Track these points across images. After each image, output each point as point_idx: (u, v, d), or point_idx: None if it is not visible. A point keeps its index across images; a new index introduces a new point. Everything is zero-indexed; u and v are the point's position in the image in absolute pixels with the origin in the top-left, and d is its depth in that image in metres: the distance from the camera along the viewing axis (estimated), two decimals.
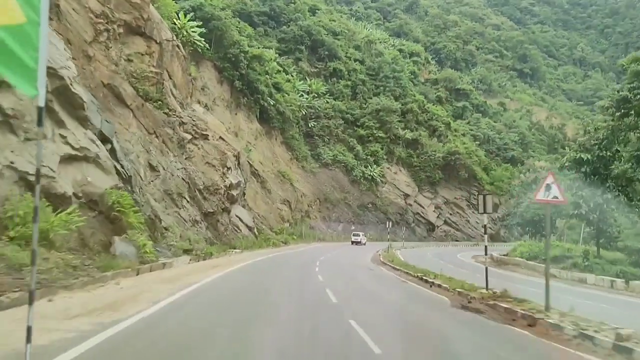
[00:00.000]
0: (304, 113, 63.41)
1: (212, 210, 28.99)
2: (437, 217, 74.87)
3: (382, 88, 78.69)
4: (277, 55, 64.43)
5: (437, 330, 8.65)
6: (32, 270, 4.27)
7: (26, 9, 4.04)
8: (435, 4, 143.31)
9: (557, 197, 9.49)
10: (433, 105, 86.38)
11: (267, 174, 49.49)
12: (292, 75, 66.32)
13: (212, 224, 29.12)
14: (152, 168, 24.48)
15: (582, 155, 28.02)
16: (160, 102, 27.85)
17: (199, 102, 38.48)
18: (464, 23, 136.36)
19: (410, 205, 72.10)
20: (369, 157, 69.04)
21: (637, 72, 23.14)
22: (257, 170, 46.72)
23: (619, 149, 26.58)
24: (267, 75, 55.02)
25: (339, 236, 59.03)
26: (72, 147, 13.52)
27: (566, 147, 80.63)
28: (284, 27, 73.07)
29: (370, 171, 67.38)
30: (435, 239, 71.19)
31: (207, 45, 45.32)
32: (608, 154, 26.85)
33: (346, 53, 78.95)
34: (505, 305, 10.08)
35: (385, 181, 70.00)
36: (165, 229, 21.40)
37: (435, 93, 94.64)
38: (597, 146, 26.60)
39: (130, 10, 26.42)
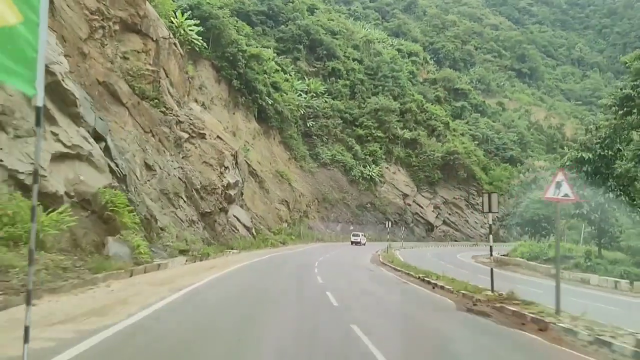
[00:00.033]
0: (302, 112, 63.04)
1: (209, 210, 28.59)
2: (436, 217, 74.58)
3: (380, 88, 78.39)
4: (275, 54, 64.06)
5: (444, 337, 8.21)
6: (30, 271, 4.35)
7: (24, 9, 4.04)
8: (433, 4, 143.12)
9: (567, 195, 9.09)
10: (432, 105, 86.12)
11: (265, 173, 49.10)
12: (291, 75, 65.96)
13: (210, 224, 28.71)
14: (148, 167, 24.06)
15: (584, 155, 27.72)
16: (156, 101, 27.41)
17: (196, 101, 38.06)
18: (462, 23, 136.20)
19: (409, 205, 71.79)
20: (367, 156, 68.71)
21: None
22: (255, 170, 46.32)
23: (620, 147, 26.30)
24: (265, 75, 54.63)
25: (337, 236, 58.67)
26: (64, 145, 13.11)
27: (565, 147, 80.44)
28: (282, 26, 72.70)
29: (369, 171, 67.06)
30: (434, 239, 70.89)
31: (204, 44, 44.90)
32: (610, 153, 26.56)
33: (344, 52, 78.63)
34: (513, 308, 9.67)
35: (384, 181, 69.68)
36: (162, 229, 20.98)
37: (434, 93, 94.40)
38: (599, 145, 26.29)
39: (126, 7, 26.00)
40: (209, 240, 26.97)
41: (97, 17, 23.74)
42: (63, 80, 13.10)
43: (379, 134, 71.29)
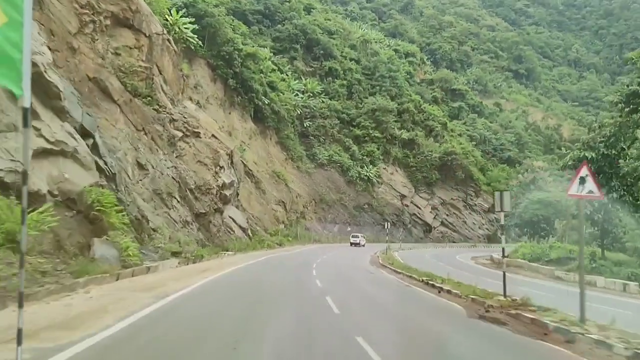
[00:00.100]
0: (299, 112, 62.34)
1: (204, 211, 27.82)
2: (434, 218, 73.98)
3: (378, 88, 77.81)
4: (271, 54, 63.36)
5: (461, 350, 7.35)
6: (20, 273, 4.28)
7: (8, 10, 4.01)
8: (430, 5, 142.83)
9: (592, 192, 8.33)
10: (429, 105, 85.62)
11: (261, 174, 48.34)
12: (287, 75, 65.27)
13: (204, 225, 27.94)
14: (141, 166, 23.27)
15: (586, 154, 27.13)
16: (149, 98, 26.64)
17: (190, 99, 37.27)
18: (459, 24, 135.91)
19: (407, 206, 71.17)
20: (365, 157, 68.05)
21: None
22: (251, 170, 45.56)
23: (624, 146, 25.71)
24: (261, 74, 53.92)
25: (334, 237, 57.98)
26: (47, 141, 12.34)
27: (562, 148, 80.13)
28: (279, 25, 72.01)
29: (367, 171, 66.39)
30: (432, 240, 70.28)
31: (200, 42, 44.12)
32: (613, 152, 25.99)
33: (342, 52, 78.02)
34: (532, 316, 8.82)
35: (382, 182, 69.04)
36: (154, 230, 20.20)
37: (431, 93, 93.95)
38: (603, 144, 25.68)
39: (117, 1, 25.24)
40: (203, 241, 26.20)
41: (87, 10, 22.98)
42: (45, 72, 12.33)
43: (376, 135, 70.66)
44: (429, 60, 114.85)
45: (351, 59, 78.89)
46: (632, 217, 29.12)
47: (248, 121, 51.23)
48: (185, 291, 11.16)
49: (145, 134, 24.97)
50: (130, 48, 26.29)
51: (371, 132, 70.53)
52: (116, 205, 14.40)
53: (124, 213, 15.42)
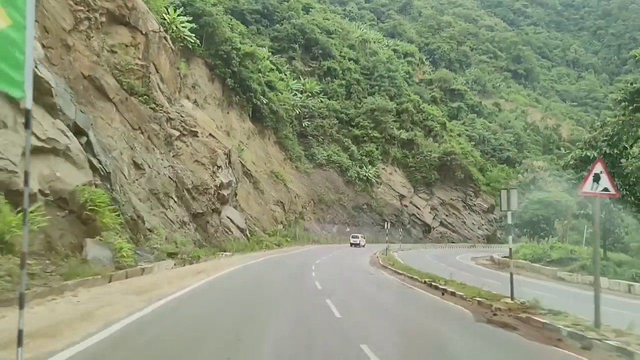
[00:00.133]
0: (297, 112, 61.95)
1: (201, 211, 27.43)
2: (433, 218, 73.67)
3: (377, 88, 77.47)
4: (270, 53, 62.97)
5: (474, 359, 6.93)
6: (22, 274, 4.28)
7: (12, 13, 4.05)
8: (428, 5, 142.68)
9: (607, 190, 7.92)
10: (428, 105, 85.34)
11: (259, 174, 47.94)
12: (286, 74, 64.89)
13: (202, 225, 27.55)
14: (137, 166, 22.89)
15: (588, 153, 26.81)
16: (146, 97, 26.25)
17: (187, 98, 36.86)
18: (457, 24, 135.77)
19: (406, 206, 70.84)
20: (363, 157, 67.69)
21: None
22: (249, 170, 45.16)
23: (626, 146, 25.39)
24: (259, 74, 53.51)
25: (333, 238, 57.61)
26: (38, 138, 11.94)
27: (561, 148, 79.93)
28: (277, 25, 71.64)
29: (365, 172, 66.03)
30: (431, 240, 69.95)
31: (197, 41, 43.71)
32: (616, 151, 25.66)
33: (340, 52, 77.67)
34: (543, 320, 8.41)
35: (381, 182, 68.69)
36: (150, 230, 19.80)
37: (430, 93, 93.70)
38: (606, 143, 25.34)
39: None
40: (200, 242, 25.81)
41: (82, 7, 22.60)
42: (36, 67, 11.93)
43: (375, 135, 70.31)
44: (428, 61, 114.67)
45: (350, 59, 78.55)
46: (634, 217, 28.84)
47: (246, 121, 50.83)
48: (179, 293, 10.69)
49: (142, 133, 24.58)
50: (127, 46, 25.91)
51: (370, 132, 70.18)
52: (110, 205, 14.00)
53: (118, 213, 15.02)
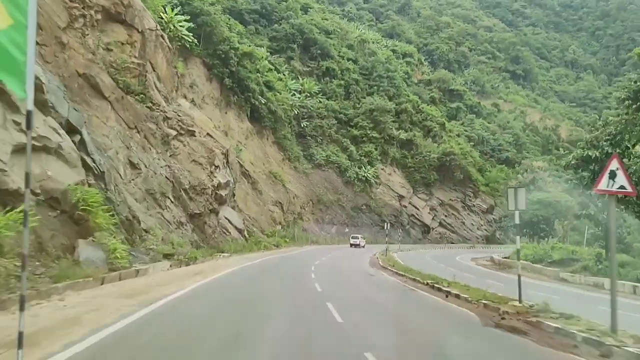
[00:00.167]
0: (296, 113, 61.62)
1: (198, 212, 27.03)
2: (432, 219, 73.38)
3: (375, 88, 77.21)
4: (268, 53, 62.64)
5: None
6: (23, 276, 4.22)
7: (14, 12, 4.02)
8: (427, 6, 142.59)
9: (624, 188, 7.55)
10: (427, 105, 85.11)
11: (258, 174, 47.56)
12: (284, 74, 64.58)
13: (199, 226, 27.15)
14: (133, 165, 22.48)
15: (590, 153, 26.54)
16: (142, 95, 25.85)
17: (185, 97, 36.49)
18: (456, 25, 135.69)
19: (405, 206, 70.52)
20: (362, 157, 67.39)
21: None
22: (247, 170, 44.79)
23: (629, 145, 25.10)
24: (258, 74, 53.19)
25: (332, 239, 57.25)
26: None
27: (560, 149, 79.69)
28: (276, 25, 71.36)
29: (364, 172, 65.72)
30: (431, 241, 69.67)
31: (195, 40, 43.35)
32: (618, 150, 25.37)
33: (339, 52, 77.39)
34: (555, 325, 7.99)
35: (380, 182, 68.37)
36: (146, 231, 19.40)
37: (429, 94, 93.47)
38: (608, 142, 25.05)
39: None
40: (198, 243, 25.41)
41: (77, 4, 22.22)
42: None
43: (374, 135, 70.02)
44: (427, 61, 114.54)
45: (348, 59, 78.28)
46: (636, 217, 28.53)
47: (244, 121, 50.48)
48: (173, 297, 10.24)
49: (138, 132, 24.19)
50: (122, 44, 25.52)
51: (369, 132, 69.89)
52: (104, 205, 13.61)
53: (112, 213, 14.64)
